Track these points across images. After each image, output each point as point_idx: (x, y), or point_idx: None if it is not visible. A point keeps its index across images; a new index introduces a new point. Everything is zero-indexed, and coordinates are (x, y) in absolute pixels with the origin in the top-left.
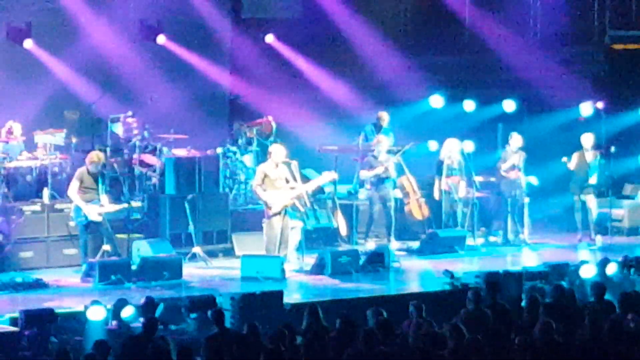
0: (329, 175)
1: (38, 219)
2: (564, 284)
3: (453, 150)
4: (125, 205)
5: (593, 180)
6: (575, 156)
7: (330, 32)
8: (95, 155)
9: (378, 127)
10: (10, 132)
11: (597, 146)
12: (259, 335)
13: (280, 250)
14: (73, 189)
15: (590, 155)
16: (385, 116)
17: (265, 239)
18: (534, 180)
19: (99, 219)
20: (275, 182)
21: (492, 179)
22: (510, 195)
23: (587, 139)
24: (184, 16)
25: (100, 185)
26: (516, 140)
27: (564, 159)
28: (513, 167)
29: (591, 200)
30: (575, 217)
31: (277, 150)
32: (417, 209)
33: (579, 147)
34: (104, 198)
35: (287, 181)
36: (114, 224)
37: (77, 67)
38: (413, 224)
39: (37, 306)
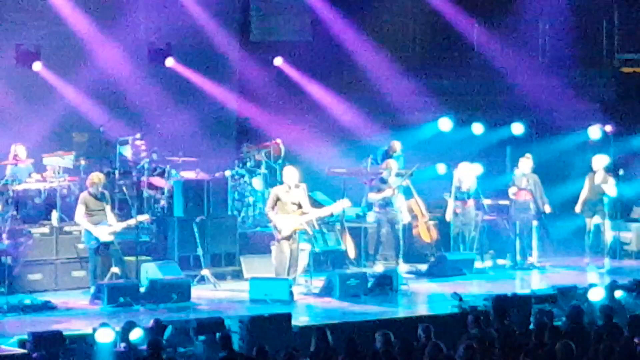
0: (342, 204)
1: (47, 241)
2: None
3: (465, 174)
4: (133, 220)
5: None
6: (586, 179)
7: (339, 55)
8: (95, 177)
9: (388, 156)
10: (15, 156)
11: (607, 169)
12: (268, 358)
13: (289, 273)
14: (79, 214)
15: (599, 177)
16: (397, 146)
17: (274, 261)
18: (547, 209)
19: (111, 238)
20: (286, 205)
21: (501, 202)
22: (519, 218)
23: (597, 161)
24: (192, 39)
25: (105, 205)
26: (524, 163)
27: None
28: (521, 190)
29: (605, 223)
30: (585, 239)
31: (289, 173)
32: (426, 232)
33: (587, 170)
34: (111, 217)
35: (300, 206)
36: (122, 247)
37: (86, 90)
38: (421, 246)
39: (46, 328)
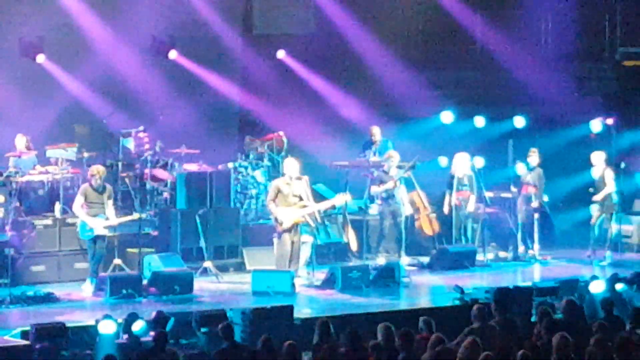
0: (343, 198)
1: (50, 233)
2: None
3: (462, 164)
4: (134, 216)
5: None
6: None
7: (342, 48)
8: (95, 169)
9: (371, 143)
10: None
11: (606, 163)
12: (274, 351)
13: (291, 265)
14: (77, 204)
15: (597, 171)
16: (374, 130)
17: (276, 254)
18: (544, 197)
19: (105, 232)
20: (288, 197)
21: (504, 195)
22: (521, 210)
23: (595, 157)
24: (195, 32)
25: (106, 199)
26: (530, 158)
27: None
28: (525, 184)
29: (610, 217)
30: (590, 233)
31: (290, 165)
32: (428, 225)
33: (589, 163)
34: (110, 211)
35: (301, 198)
36: (125, 238)
37: (89, 82)
38: (423, 239)
39: (49, 320)
